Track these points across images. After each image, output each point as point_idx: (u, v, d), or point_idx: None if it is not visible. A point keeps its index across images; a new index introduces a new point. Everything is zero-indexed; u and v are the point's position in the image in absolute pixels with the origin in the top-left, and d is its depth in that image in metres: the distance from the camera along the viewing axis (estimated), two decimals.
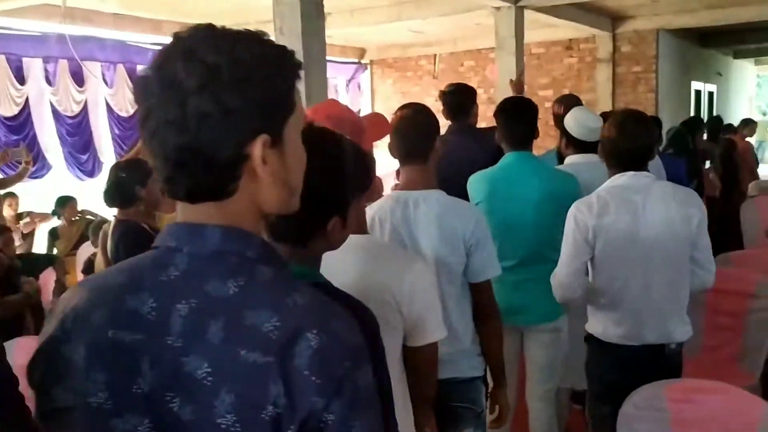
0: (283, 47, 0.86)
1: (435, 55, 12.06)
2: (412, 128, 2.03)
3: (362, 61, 12.68)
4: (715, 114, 12.95)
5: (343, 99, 12.02)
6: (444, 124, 2.53)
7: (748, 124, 8.52)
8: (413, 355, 1.55)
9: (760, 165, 8.85)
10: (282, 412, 0.74)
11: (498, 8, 7.63)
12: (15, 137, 7.25)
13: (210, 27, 0.82)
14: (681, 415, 1.92)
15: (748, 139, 8.27)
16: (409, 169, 2.03)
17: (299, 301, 0.80)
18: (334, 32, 9.44)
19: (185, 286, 0.79)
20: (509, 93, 7.43)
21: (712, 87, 13.53)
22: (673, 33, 10.79)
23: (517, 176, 2.65)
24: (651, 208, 2.20)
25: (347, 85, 12.13)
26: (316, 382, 0.75)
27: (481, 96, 11.58)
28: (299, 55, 3.56)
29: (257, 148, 0.80)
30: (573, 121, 2.95)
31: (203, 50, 0.78)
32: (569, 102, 3.39)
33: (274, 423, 0.74)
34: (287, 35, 4.64)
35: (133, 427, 0.78)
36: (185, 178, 0.80)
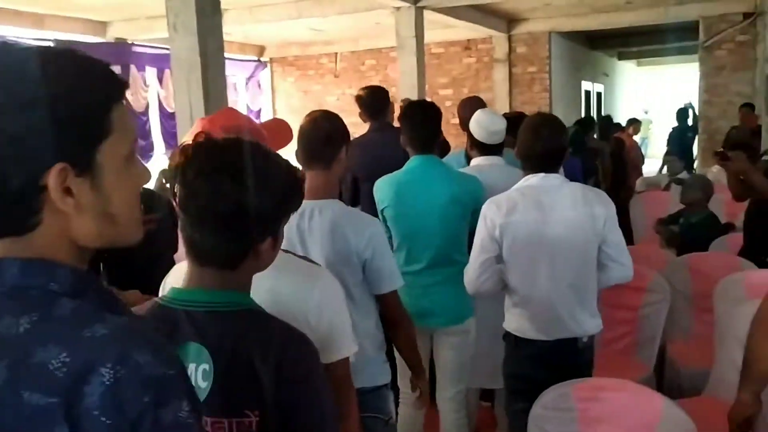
0: (98, 65, 0.79)
1: (336, 54, 12.01)
2: (316, 134, 1.98)
3: (262, 59, 12.44)
4: (603, 112, 13.66)
5: (243, 97, 11.74)
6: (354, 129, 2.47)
7: (634, 123, 9.04)
8: (326, 371, 1.49)
9: (645, 161, 9.37)
10: None
11: (398, 8, 7.67)
12: None
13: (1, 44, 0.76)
14: (588, 414, 1.96)
15: (634, 137, 8.76)
16: (312, 176, 1.97)
17: (99, 332, 0.72)
18: (233, 29, 9.20)
19: None
20: (411, 92, 7.52)
21: (599, 87, 14.26)
22: (564, 35, 11.27)
23: (422, 180, 2.64)
24: (558, 207, 2.27)
25: (247, 84, 11.86)
26: (107, 422, 0.68)
27: None
28: (194, 53, 3.41)
29: (52, 179, 0.73)
30: (476, 124, 2.98)
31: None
32: (474, 105, 3.42)
33: None
34: (181, 32, 4.44)
35: None
36: None
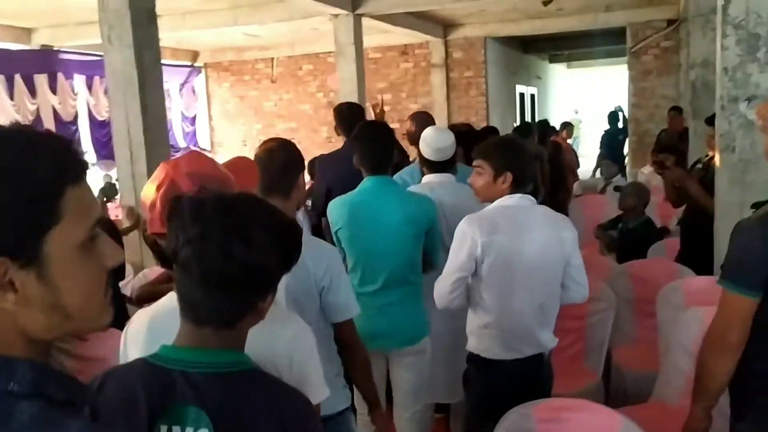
0: (50, 144, 0.73)
1: (272, 59, 11.87)
2: (273, 164, 1.96)
3: (196, 65, 12.17)
4: (537, 114, 14.00)
5: (177, 104, 11.45)
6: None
7: (567, 127, 9.29)
8: None
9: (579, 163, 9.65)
10: None
11: (336, 15, 7.65)
12: None
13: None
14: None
15: (568, 140, 9.00)
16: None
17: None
18: (165, 35, 8.95)
19: None
20: (351, 98, 7.50)
21: (533, 89, 14.59)
22: (498, 40, 11.49)
23: (376, 201, 2.63)
24: (533, 228, 2.32)
25: (181, 90, 11.58)
26: None
27: (321, 100, 11.63)
28: (131, 66, 3.30)
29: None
30: (423, 143, 3.00)
31: None
32: (421, 120, 3.44)
33: None
34: (116, 45, 4.28)
35: None
36: None
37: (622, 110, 10.16)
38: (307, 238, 2.02)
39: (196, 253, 1.08)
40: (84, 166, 0.76)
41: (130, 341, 1.41)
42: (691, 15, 6.32)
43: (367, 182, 2.65)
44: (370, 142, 2.67)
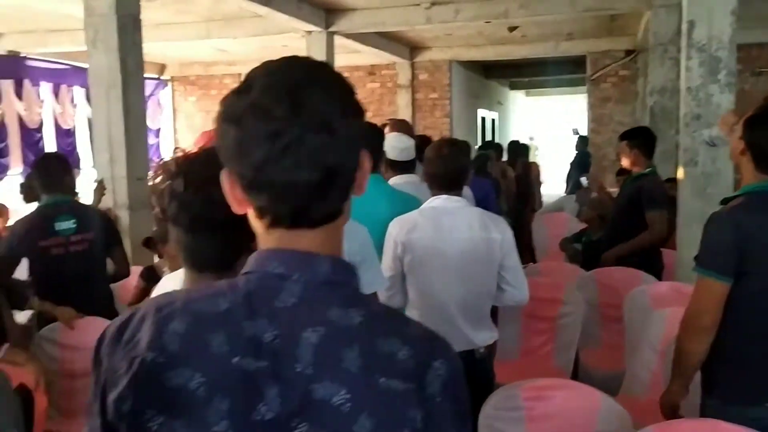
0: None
1: (240, 75, 11.92)
2: None
3: (162, 77, 12.15)
4: (497, 138, 14.38)
5: None
6: None
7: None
8: None
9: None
10: None
11: (310, 32, 7.81)
12: None
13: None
14: (534, 411, 2.13)
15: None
16: None
17: (418, 332, 0.83)
18: None
19: (307, 314, 0.78)
20: None
21: (494, 114, 14.99)
22: (463, 64, 11.83)
23: (369, 198, 2.75)
24: (456, 229, 2.45)
25: (146, 102, 11.52)
26: (449, 407, 0.79)
27: None
28: (115, 71, 3.48)
29: (366, 162, 0.84)
30: (389, 145, 3.15)
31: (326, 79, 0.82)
32: (400, 125, 3.59)
33: None
34: (101, 49, 4.34)
35: None
36: (325, 201, 0.81)
37: (579, 133, 10.57)
38: None
39: (183, 204, 1.18)
40: None
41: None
42: (651, 44, 6.69)
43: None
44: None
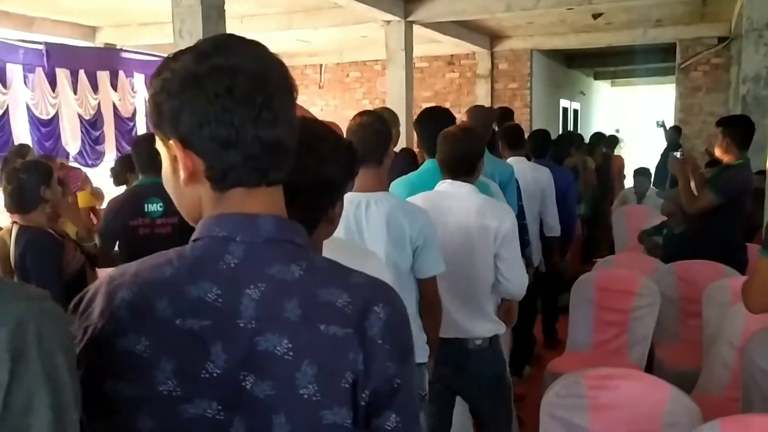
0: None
1: (321, 65, 12.14)
2: (370, 133, 2.13)
3: None
4: (579, 129, 14.00)
5: None
6: None
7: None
8: None
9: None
10: (358, 378, 0.80)
11: (388, 22, 7.85)
12: None
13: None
14: (597, 401, 2.09)
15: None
16: (364, 172, 2.10)
17: (360, 280, 0.88)
18: None
19: (249, 272, 0.83)
20: (399, 104, 7.68)
21: (576, 105, 14.59)
22: (544, 53, 11.57)
23: (436, 181, 2.76)
24: (454, 214, 2.43)
25: None
26: (388, 348, 0.83)
27: (367, 107, 11.83)
28: None
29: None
30: None
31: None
32: (479, 113, 3.57)
33: (351, 389, 0.80)
34: (186, 39, 4.52)
35: (203, 411, 0.80)
36: (282, 162, 0.88)
37: (664, 125, 10.12)
38: (402, 202, 2.20)
39: None
40: None
41: None
42: (744, 30, 6.35)
43: (427, 164, 2.80)
44: (429, 126, 2.82)
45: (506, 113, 5.12)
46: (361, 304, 0.83)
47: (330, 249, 1.51)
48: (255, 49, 0.87)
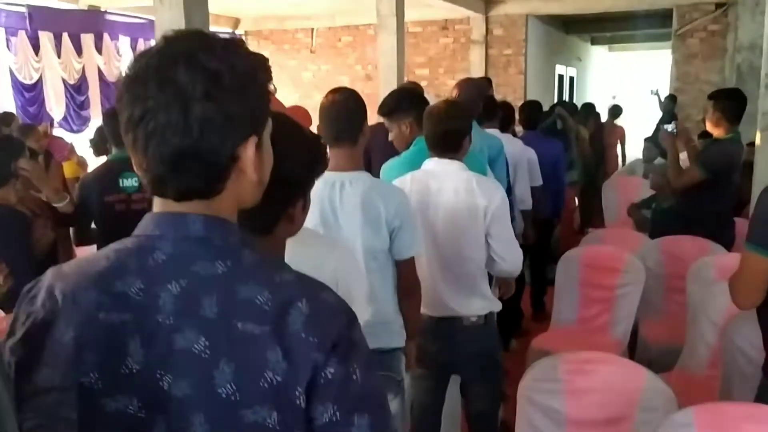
0: (262, 56, 0.91)
1: (312, 29, 11.91)
2: (342, 112, 2.07)
3: (236, 32, 12.27)
4: (575, 96, 13.87)
5: None
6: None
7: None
8: None
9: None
10: (283, 376, 0.79)
11: None
12: None
13: (202, 33, 0.86)
14: (574, 385, 2.07)
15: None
16: (338, 152, 2.06)
17: (286, 278, 0.86)
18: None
19: (173, 268, 0.83)
20: (388, 71, 7.54)
21: (572, 71, 14.42)
22: (540, 19, 11.36)
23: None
24: (443, 192, 2.37)
25: None
26: (313, 340, 0.81)
27: (359, 73, 11.66)
28: (180, 26, 3.48)
29: (250, 150, 0.86)
30: None
31: (203, 57, 0.81)
32: (470, 86, 3.48)
33: (273, 388, 0.79)
34: (167, 4, 4.37)
35: (125, 407, 0.81)
36: (178, 179, 0.83)
37: (658, 94, 9.98)
38: (377, 182, 2.14)
39: None
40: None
41: None
42: None
43: (418, 143, 2.72)
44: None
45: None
46: (283, 300, 0.82)
47: (298, 240, 1.46)
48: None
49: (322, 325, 0.82)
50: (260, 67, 0.88)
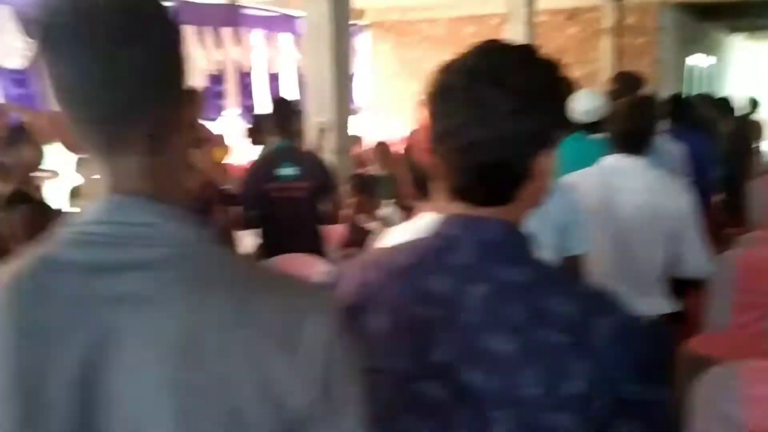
0: (556, 70, 0.92)
1: (435, 20, 11.92)
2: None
3: (360, 23, 12.47)
4: (711, 88, 13.08)
5: None
6: None
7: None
8: None
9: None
10: (590, 387, 0.81)
11: None
12: None
13: (501, 46, 0.91)
14: (752, 391, 1.97)
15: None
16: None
17: (583, 290, 0.91)
18: None
19: (477, 270, 0.88)
20: None
21: (711, 60, 13.60)
22: (674, 6, 10.78)
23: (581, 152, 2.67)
24: (626, 191, 2.29)
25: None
26: (622, 356, 0.83)
27: None
28: (326, 20, 3.58)
29: (548, 162, 0.90)
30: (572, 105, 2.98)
31: (509, 75, 0.86)
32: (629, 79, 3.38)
33: (575, 398, 0.81)
34: None
35: (432, 393, 0.86)
36: (482, 189, 0.89)
37: None
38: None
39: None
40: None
41: None
42: None
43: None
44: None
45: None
46: (586, 312, 0.85)
47: None
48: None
49: (632, 342, 0.85)
50: (560, 80, 0.92)
